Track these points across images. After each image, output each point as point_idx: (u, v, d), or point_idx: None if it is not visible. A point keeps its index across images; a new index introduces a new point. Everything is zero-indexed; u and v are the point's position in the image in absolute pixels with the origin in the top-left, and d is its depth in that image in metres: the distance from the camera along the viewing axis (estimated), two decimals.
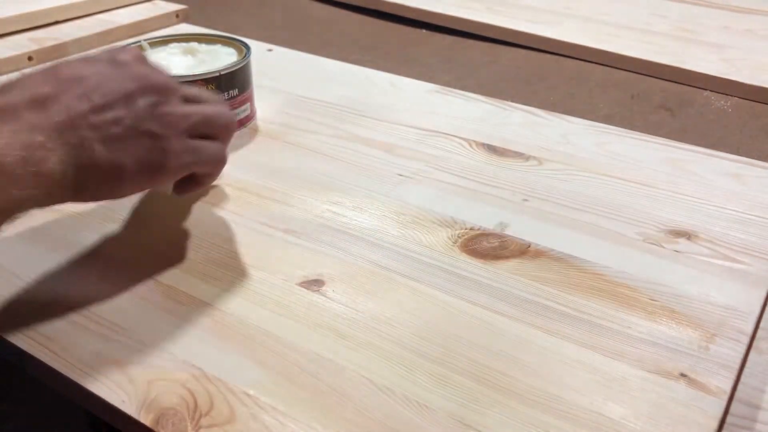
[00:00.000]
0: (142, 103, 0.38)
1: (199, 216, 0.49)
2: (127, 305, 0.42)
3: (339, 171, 0.54)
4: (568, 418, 0.34)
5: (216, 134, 0.42)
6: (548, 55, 0.80)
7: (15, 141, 0.33)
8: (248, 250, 0.46)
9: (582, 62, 0.78)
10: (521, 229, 0.48)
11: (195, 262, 0.45)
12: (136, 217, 0.49)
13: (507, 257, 0.45)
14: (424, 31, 0.88)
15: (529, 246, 0.46)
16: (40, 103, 0.35)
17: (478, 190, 0.52)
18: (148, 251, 0.46)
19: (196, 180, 0.43)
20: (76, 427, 0.62)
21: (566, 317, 0.40)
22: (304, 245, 0.46)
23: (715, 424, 0.34)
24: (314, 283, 0.43)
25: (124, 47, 0.42)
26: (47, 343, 0.39)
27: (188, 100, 0.42)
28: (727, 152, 0.57)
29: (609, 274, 0.43)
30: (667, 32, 0.82)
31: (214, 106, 0.43)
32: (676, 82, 0.73)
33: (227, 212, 0.50)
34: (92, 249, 0.46)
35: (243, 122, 0.61)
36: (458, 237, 0.47)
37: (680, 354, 0.38)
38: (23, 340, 0.39)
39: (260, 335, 0.39)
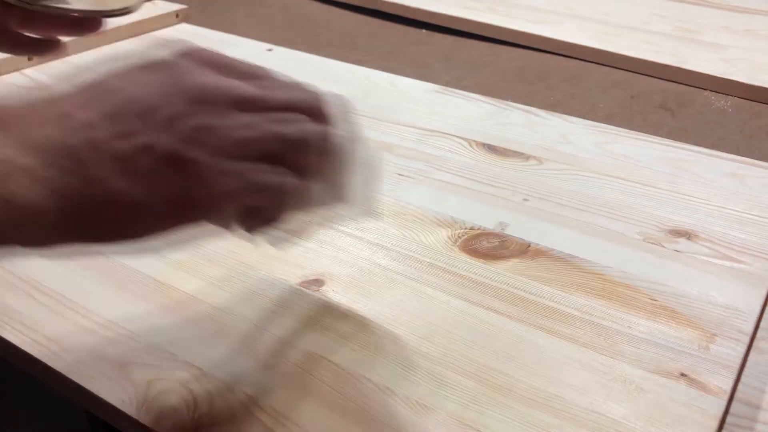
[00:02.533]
0: (188, 123, 0.28)
1: None
2: (127, 305, 0.42)
3: None
4: (568, 418, 0.34)
5: (287, 159, 0.31)
6: (548, 55, 0.80)
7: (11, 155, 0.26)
8: (248, 250, 0.46)
9: (582, 62, 0.78)
10: (521, 229, 0.48)
11: (195, 262, 0.45)
12: None
13: (507, 257, 0.45)
14: (424, 31, 0.88)
15: (529, 246, 0.46)
16: (51, 119, 0.27)
17: (478, 190, 0.52)
18: (148, 251, 0.46)
19: (262, 215, 0.32)
20: (76, 427, 0.62)
21: (566, 317, 0.40)
22: (304, 245, 0.46)
23: (715, 424, 0.34)
24: (314, 283, 0.43)
25: (194, 47, 0.32)
26: (47, 343, 0.39)
27: (269, 109, 0.31)
28: (727, 152, 0.57)
29: (609, 274, 0.43)
30: (667, 32, 0.82)
31: (293, 123, 0.31)
32: (676, 82, 0.73)
33: None
34: (92, 249, 0.46)
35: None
36: (458, 237, 0.47)
37: (680, 354, 0.38)
38: (23, 340, 0.39)
39: (260, 335, 0.39)
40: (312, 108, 0.33)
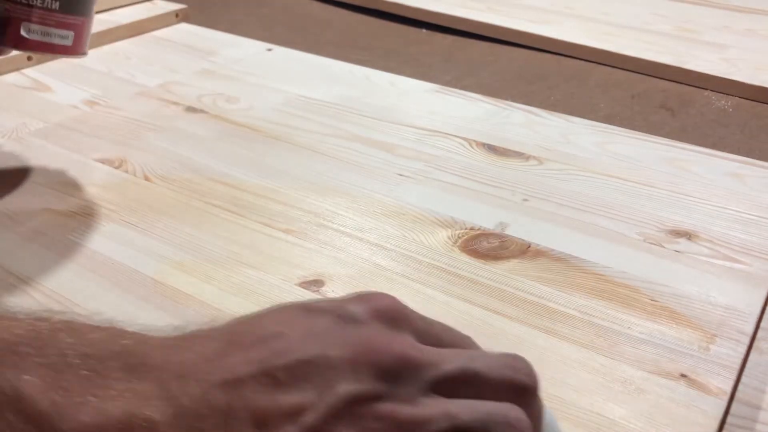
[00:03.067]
0: (347, 389, 0.22)
1: (199, 216, 0.49)
2: (126, 305, 0.41)
3: (339, 171, 0.54)
4: (568, 418, 0.34)
5: None
6: (548, 55, 0.80)
7: (113, 411, 0.21)
8: (248, 250, 0.46)
9: (582, 62, 0.78)
10: (521, 229, 0.48)
11: (195, 262, 0.45)
12: (137, 216, 0.49)
13: (507, 257, 0.45)
14: (424, 31, 0.88)
15: (529, 246, 0.46)
16: (192, 366, 0.22)
17: (478, 190, 0.52)
18: (148, 251, 0.46)
19: None
20: None
21: (566, 317, 0.40)
22: (304, 245, 0.46)
23: (715, 425, 0.34)
24: (314, 283, 0.43)
25: (375, 293, 0.26)
26: None
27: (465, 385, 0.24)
28: (727, 152, 0.57)
29: (609, 274, 0.43)
30: (667, 32, 0.82)
31: (487, 406, 0.24)
32: (676, 82, 0.73)
33: (227, 212, 0.50)
34: (92, 249, 0.46)
35: (58, 50, 0.47)
36: (458, 237, 0.47)
37: (680, 354, 0.38)
38: None
39: None
40: (523, 390, 0.26)
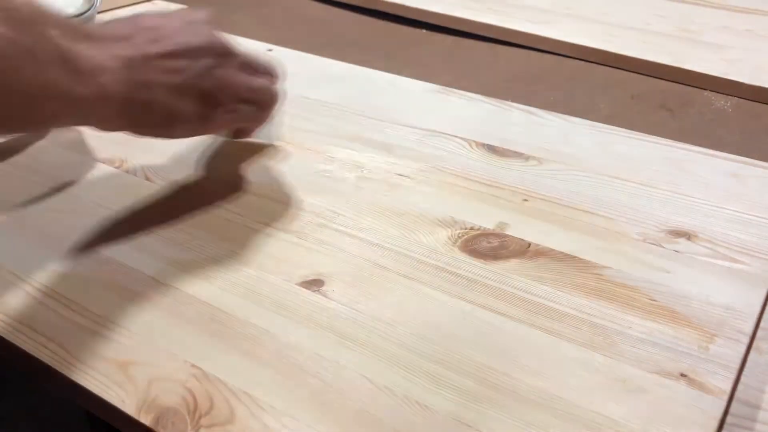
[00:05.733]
0: (204, 62, 0.44)
1: (198, 216, 0.49)
2: (128, 305, 0.42)
3: (339, 171, 0.54)
4: (568, 418, 0.34)
5: (258, 102, 0.49)
6: (548, 55, 0.80)
7: (96, 56, 0.38)
8: (248, 250, 0.46)
9: (582, 62, 0.78)
10: (521, 229, 0.48)
11: (195, 261, 0.45)
12: (136, 216, 0.49)
13: (507, 257, 0.45)
14: (424, 31, 0.88)
15: (529, 246, 0.46)
16: (119, 39, 0.41)
17: (478, 190, 0.52)
18: (148, 251, 0.46)
19: (241, 131, 0.52)
20: (76, 427, 0.62)
21: (566, 317, 0.40)
22: (304, 245, 0.46)
23: (715, 424, 0.34)
24: (314, 283, 0.43)
25: (199, 9, 0.48)
26: (47, 343, 0.39)
27: (245, 66, 0.47)
28: (727, 152, 0.57)
29: (609, 274, 0.43)
30: (667, 32, 0.82)
31: (263, 78, 0.49)
32: (676, 82, 0.73)
33: (227, 212, 0.50)
34: (92, 249, 0.46)
35: None
36: (458, 237, 0.47)
37: (680, 354, 0.38)
38: (23, 339, 0.39)
39: (260, 335, 0.39)
40: (273, 73, 0.51)
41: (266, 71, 0.50)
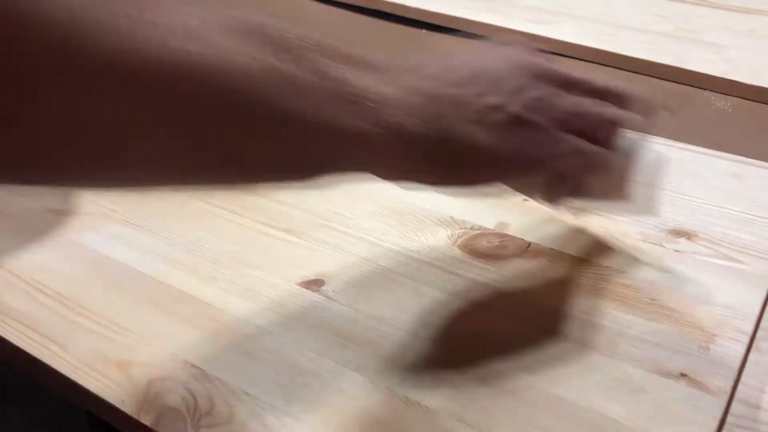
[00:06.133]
0: (524, 90, 0.36)
1: (199, 216, 0.49)
2: (127, 305, 0.42)
3: None
4: (568, 418, 0.34)
5: (599, 136, 0.37)
6: (548, 55, 0.80)
7: (379, 88, 0.32)
8: (248, 250, 0.46)
9: (582, 62, 0.78)
10: (521, 229, 0.48)
11: (195, 262, 0.45)
12: (137, 216, 0.49)
13: (507, 257, 0.45)
14: (424, 31, 0.88)
15: (529, 246, 0.46)
16: (405, 70, 0.34)
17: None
18: (148, 251, 0.46)
19: (567, 183, 0.39)
20: (76, 427, 0.62)
21: (566, 317, 0.40)
22: (304, 245, 0.46)
23: (715, 424, 0.34)
24: (314, 283, 0.43)
25: (516, 43, 0.41)
26: (47, 343, 0.39)
27: (572, 85, 0.38)
28: (726, 152, 0.57)
29: (609, 274, 0.43)
30: (667, 32, 0.82)
31: (605, 104, 0.38)
32: (676, 82, 0.72)
33: (227, 212, 0.50)
34: (92, 249, 0.46)
35: None
36: (458, 237, 0.47)
37: (680, 354, 0.38)
38: (23, 339, 0.39)
39: (260, 335, 0.39)
40: (621, 96, 0.40)
41: (611, 93, 0.39)
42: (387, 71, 0.33)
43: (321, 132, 0.30)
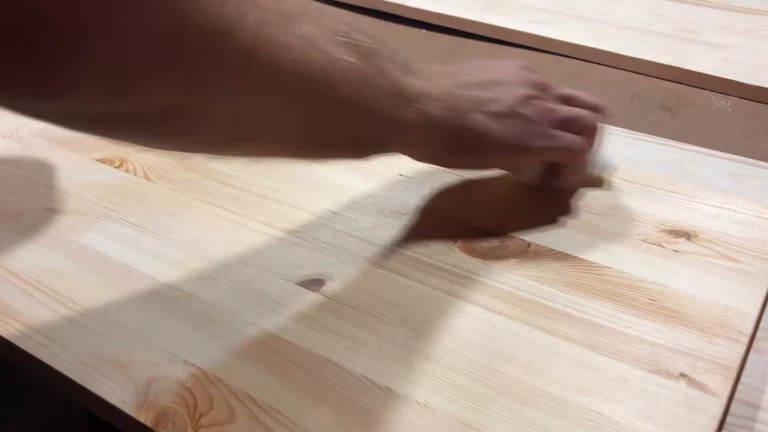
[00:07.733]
0: (521, 91, 0.46)
1: (199, 216, 0.49)
2: (127, 305, 0.42)
3: (339, 171, 0.54)
4: (568, 418, 0.34)
5: (580, 132, 0.47)
6: (548, 55, 0.80)
7: (421, 86, 0.42)
8: (248, 250, 0.46)
9: (582, 62, 0.78)
10: (521, 228, 0.48)
11: (195, 261, 0.45)
12: (136, 216, 0.49)
13: (507, 257, 0.45)
14: (424, 31, 0.88)
15: (529, 246, 0.46)
16: (443, 75, 0.44)
17: (479, 190, 0.52)
18: (147, 251, 0.46)
19: (557, 172, 0.49)
20: (76, 427, 0.62)
21: (566, 317, 0.40)
22: (304, 245, 0.46)
23: (715, 424, 0.34)
24: (314, 283, 0.43)
25: (514, 61, 0.51)
26: (47, 343, 0.39)
27: (565, 99, 0.48)
28: (727, 152, 0.57)
29: (609, 274, 0.43)
30: (667, 32, 0.82)
31: (582, 108, 0.49)
32: (676, 82, 0.72)
33: (227, 212, 0.50)
34: (92, 249, 0.46)
35: None
36: (458, 237, 0.47)
37: (680, 354, 0.38)
38: (23, 340, 0.39)
39: (260, 335, 0.39)
40: (597, 108, 0.50)
41: (589, 105, 0.49)
42: (430, 76, 0.43)
43: (382, 120, 0.40)
